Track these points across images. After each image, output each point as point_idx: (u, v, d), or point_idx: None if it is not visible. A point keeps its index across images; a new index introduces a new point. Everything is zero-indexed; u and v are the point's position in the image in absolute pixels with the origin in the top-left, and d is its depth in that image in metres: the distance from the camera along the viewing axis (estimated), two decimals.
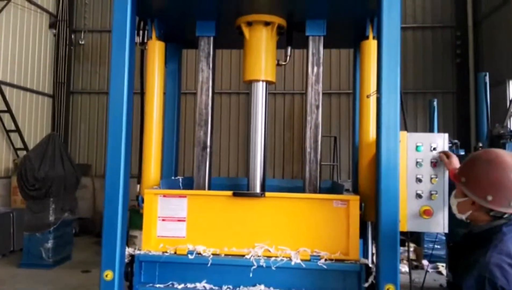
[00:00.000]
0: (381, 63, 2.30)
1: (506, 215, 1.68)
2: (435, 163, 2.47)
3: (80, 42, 10.70)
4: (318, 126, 2.78)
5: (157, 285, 2.45)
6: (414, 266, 6.92)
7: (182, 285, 2.43)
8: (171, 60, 3.25)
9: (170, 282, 2.46)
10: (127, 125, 2.44)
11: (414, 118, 9.91)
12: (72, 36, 10.74)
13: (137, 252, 2.46)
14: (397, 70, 2.29)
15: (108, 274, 2.40)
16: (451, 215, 2.37)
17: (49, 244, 6.79)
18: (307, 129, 2.79)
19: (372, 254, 2.81)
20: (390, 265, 2.26)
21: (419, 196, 2.44)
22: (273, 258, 2.37)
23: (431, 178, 2.47)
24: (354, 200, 2.42)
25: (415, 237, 7.12)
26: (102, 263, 2.43)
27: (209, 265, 2.37)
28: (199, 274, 2.43)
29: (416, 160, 2.46)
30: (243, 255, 2.40)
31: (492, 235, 1.66)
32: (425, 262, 6.84)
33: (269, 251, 2.41)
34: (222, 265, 2.41)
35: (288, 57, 2.96)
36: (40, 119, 10.31)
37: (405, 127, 2.50)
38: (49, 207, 6.82)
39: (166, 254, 2.46)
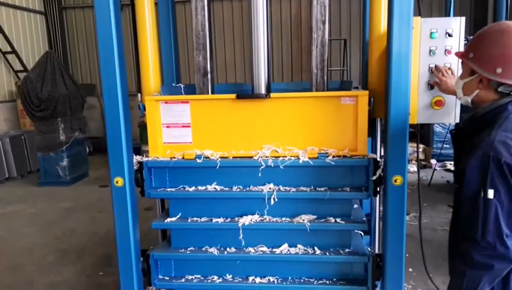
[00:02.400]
0: None
1: None
2: (449, 51, 2.32)
3: None
4: (325, 22, 2.57)
5: (168, 189, 2.51)
6: (423, 165, 7.06)
7: (193, 188, 2.48)
8: None
9: (181, 186, 2.51)
10: (118, 37, 2.29)
11: (429, 2, 9.36)
12: None
13: (145, 159, 2.47)
14: None
15: (119, 181, 2.44)
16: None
17: (64, 163, 6.99)
18: (313, 25, 2.59)
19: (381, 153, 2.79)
20: (399, 156, 2.22)
21: (431, 86, 2.33)
22: (281, 158, 2.36)
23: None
24: (363, 96, 2.33)
25: (425, 133, 7.11)
26: (111, 171, 2.45)
27: (217, 167, 2.38)
28: (208, 177, 2.46)
29: (429, 48, 2.30)
30: (251, 157, 2.40)
31: (497, 114, 1.59)
32: (433, 161, 6.94)
33: (277, 151, 2.40)
34: (230, 167, 2.42)
35: None
36: (36, 39, 9.98)
37: (418, 12, 2.30)
38: (58, 127, 6.89)
39: (174, 159, 2.47)
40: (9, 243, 4.66)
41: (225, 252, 2.47)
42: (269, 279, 2.49)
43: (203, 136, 2.47)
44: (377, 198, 2.81)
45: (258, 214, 2.45)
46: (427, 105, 2.38)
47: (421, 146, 7.19)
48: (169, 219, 2.53)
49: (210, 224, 2.46)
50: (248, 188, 2.43)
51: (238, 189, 2.44)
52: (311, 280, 2.48)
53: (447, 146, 6.90)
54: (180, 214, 2.54)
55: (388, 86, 2.19)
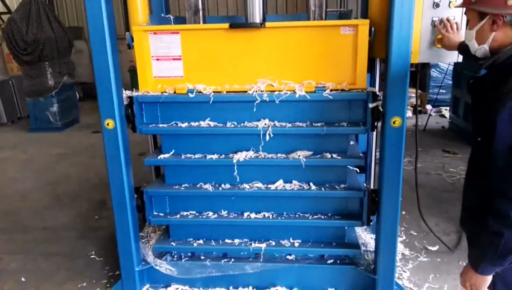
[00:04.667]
0: None
1: None
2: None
3: None
4: None
5: (160, 125, 2.43)
6: (418, 111, 7.00)
7: (186, 124, 2.42)
8: None
9: (173, 122, 2.44)
10: None
11: None
12: None
13: (135, 93, 2.37)
14: None
15: (109, 123, 2.36)
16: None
17: (55, 108, 6.85)
18: None
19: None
20: (398, 97, 2.16)
21: (434, 24, 2.20)
22: (276, 92, 2.28)
23: (450, 2, 2.20)
24: (363, 25, 2.21)
25: (422, 78, 6.99)
26: (101, 113, 2.37)
27: (210, 102, 2.30)
28: (201, 113, 2.40)
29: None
30: (245, 91, 2.31)
31: None
32: (428, 106, 6.89)
33: (272, 85, 2.31)
34: (224, 102, 2.34)
35: None
36: None
37: None
38: (46, 71, 6.67)
39: (165, 94, 2.37)
40: (3, 188, 4.64)
41: (220, 189, 2.46)
42: (264, 215, 2.50)
43: (195, 70, 2.37)
44: (374, 135, 2.77)
45: (253, 150, 2.41)
46: (429, 43, 2.27)
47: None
48: (162, 156, 2.48)
49: (204, 160, 2.42)
50: (242, 124, 2.37)
51: (232, 125, 2.38)
52: (306, 215, 2.49)
53: (443, 91, 6.83)
54: (173, 151, 2.49)
55: (390, 22, 2.07)
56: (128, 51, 2.63)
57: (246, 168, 2.42)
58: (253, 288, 2.62)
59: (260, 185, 2.46)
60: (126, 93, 2.38)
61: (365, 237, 2.90)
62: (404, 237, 3.26)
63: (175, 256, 2.69)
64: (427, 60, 2.29)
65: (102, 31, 2.19)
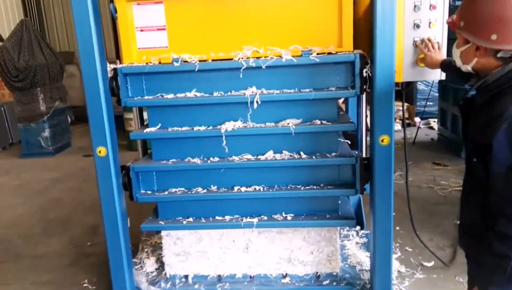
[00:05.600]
0: None
1: None
2: (434, 6, 2.24)
3: None
4: None
5: (146, 97, 2.39)
6: (407, 124, 7.08)
7: (172, 95, 2.37)
8: None
9: (159, 94, 2.40)
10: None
11: None
12: None
13: (119, 65, 2.33)
14: None
15: (101, 151, 2.38)
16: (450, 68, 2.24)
17: (46, 133, 6.84)
18: None
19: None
20: (385, 116, 2.21)
21: (416, 44, 2.27)
22: (263, 58, 2.25)
23: (430, 23, 2.27)
24: None
25: (409, 92, 7.09)
26: (93, 141, 2.39)
27: (196, 71, 2.26)
28: (187, 83, 2.36)
29: (414, 3, 2.23)
30: (231, 59, 2.28)
31: (511, 80, 1.41)
32: (417, 119, 6.98)
33: (258, 52, 2.29)
34: (210, 70, 2.30)
35: None
36: (10, 7, 9.49)
37: None
38: (38, 97, 6.69)
39: (150, 64, 2.34)
40: None
41: (209, 162, 2.41)
42: (255, 188, 2.44)
43: (180, 39, 2.35)
44: (363, 103, 2.72)
45: (241, 120, 2.37)
46: (412, 62, 2.32)
47: (405, 104, 7.19)
48: (148, 129, 2.43)
49: (191, 132, 2.38)
50: (229, 93, 2.33)
51: (219, 95, 2.34)
52: (298, 187, 2.43)
53: (431, 103, 6.93)
54: (160, 125, 2.45)
55: (373, 45, 2.13)
56: None
57: (234, 139, 2.36)
58: None
59: (249, 156, 2.40)
60: (110, 66, 2.34)
61: (360, 255, 2.90)
62: (399, 254, 3.26)
63: (169, 283, 2.67)
64: (410, 78, 2.34)
65: (93, 57, 2.21)
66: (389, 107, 2.20)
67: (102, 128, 2.34)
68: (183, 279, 2.68)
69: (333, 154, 2.40)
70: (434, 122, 6.95)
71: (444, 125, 5.95)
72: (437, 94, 6.45)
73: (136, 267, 2.78)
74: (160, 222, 2.55)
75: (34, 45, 6.61)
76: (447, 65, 2.11)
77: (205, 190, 2.46)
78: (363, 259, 2.85)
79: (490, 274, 1.43)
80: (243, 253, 2.64)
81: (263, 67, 2.23)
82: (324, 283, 2.59)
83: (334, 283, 2.58)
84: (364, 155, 2.84)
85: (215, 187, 2.47)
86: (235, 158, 2.41)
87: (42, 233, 4.07)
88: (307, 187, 2.41)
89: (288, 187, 2.44)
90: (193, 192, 2.46)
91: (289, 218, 2.46)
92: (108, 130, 2.35)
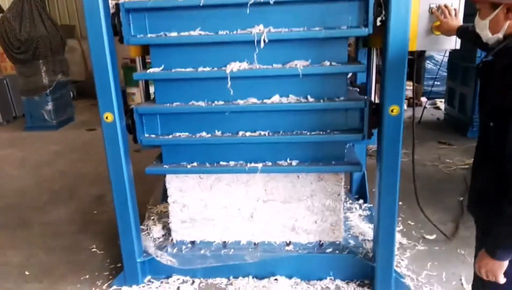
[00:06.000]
0: None
1: None
2: None
3: None
4: None
5: (149, 35, 2.34)
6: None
7: (175, 33, 2.32)
8: None
9: (162, 33, 2.34)
10: None
11: None
12: None
13: (121, 0, 2.26)
14: None
15: (108, 116, 2.37)
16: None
17: (49, 106, 6.83)
18: None
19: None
20: (396, 85, 2.18)
21: (432, 10, 2.23)
22: None
23: None
24: None
25: (417, 70, 7.01)
26: (100, 107, 2.38)
27: (201, 5, 2.19)
28: (192, 21, 2.29)
29: None
30: None
31: None
32: (423, 99, 6.94)
33: None
34: (215, 6, 2.23)
35: None
36: None
37: None
38: (40, 69, 6.63)
39: None
40: (1, 186, 4.63)
41: (213, 105, 2.38)
42: (259, 133, 2.40)
43: None
44: (374, 56, 2.65)
45: (247, 62, 2.31)
46: (426, 31, 2.29)
47: (411, 83, 7.14)
48: (151, 70, 2.39)
49: (195, 73, 2.34)
50: (235, 32, 2.27)
51: (224, 33, 2.27)
52: (304, 132, 2.39)
53: (438, 83, 6.86)
54: (163, 65, 2.40)
55: (388, 9, 2.08)
56: (120, 48, 2.54)
57: (240, 82, 2.32)
58: (253, 278, 2.65)
59: (255, 100, 2.37)
60: (112, 2, 2.28)
61: (363, 227, 2.94)
62: (401, 227, 3.31)
63: (176, 248, 2.71)
64: (424, 47, 2.31)
65: (99, 24, 2.19)
66: (401, 76, 2.17)
67: (109, 93, 2.34)
68: (189, 245, 2.72)
69: (341, 98, 2.34)
70: (440, 102, 6.92)
71: (451, 104, 5.93)
72: (445, 74, 6.38)
73: (143, 233, 2.82)
74: (165, 166, 2.53)
75: (35, 16, 6.52)
76: (463, 31, 2.08)
77: (209, 135, 2.43)
78: (365, 230, 2.89)
79: (499, 237, 1.45)
80: (248, 221, 2.67)
81: (271, 2, 2.15)
82: (327, 251, 2.63)
83: (337, 251, 2.62)
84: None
85: (220, 132, 2.43)
86: (240, 101, 2.36)
87: (48, 202, 4.11)
88: (313, 133, 2.37)
89: (294, 133, 2.39)
90: (197, 136, 2.43)
91: (294, 164, 2.43)
92: (114, 96, 2.35)
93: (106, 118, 2.38)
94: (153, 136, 2.49)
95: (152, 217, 3.10)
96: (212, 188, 2.62)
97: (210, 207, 2.66)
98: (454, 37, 2.30)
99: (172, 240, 2.76)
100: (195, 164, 2.52)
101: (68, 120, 7.35)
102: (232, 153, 2.48)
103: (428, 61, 7.05)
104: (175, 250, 2.69)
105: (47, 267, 3.00)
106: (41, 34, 6.51)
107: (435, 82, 6.58)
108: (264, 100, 2.36)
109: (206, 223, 2.69)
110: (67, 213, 3.84)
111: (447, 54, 5.90)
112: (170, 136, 2.46)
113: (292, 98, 2.36)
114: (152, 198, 3.36)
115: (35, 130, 6.81)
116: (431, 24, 2.25)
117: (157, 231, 2.89)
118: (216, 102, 2.40)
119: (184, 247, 2.72)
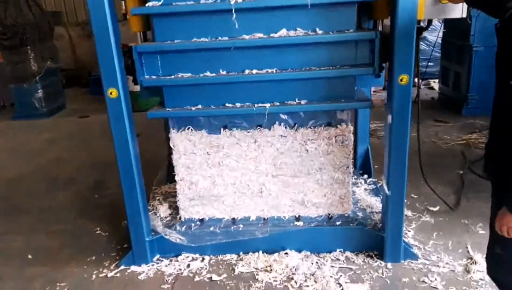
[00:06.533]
0: None
1: None
2: None
3: None
4: None
5: None
6: None
7: None
8: None
9: None
10: None
11: None
12: None
13: None
14: None
15: (113, 92, 2.32)
16: None
17: (40, 94, 6.68)
18: None
19: None
20: (405, 54, 2.18)
21: None
22: None
23: None
24: None
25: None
26: (104, 83, 2.32)
27: None
28: None
29: None
30: None
31: None
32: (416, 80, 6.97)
33: None
34: None
35: None
36: None
37: None
38: (29, 56, 6.47)
39: None
40: None
41: (217, 40, 2.28)
42: (267, 71, 2.32)
43: None
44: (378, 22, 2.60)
45: None
46: (434, 0, 2.28)
47: None
48: (150, 3, 2.27)
49: (198, 5, 2.24)
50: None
51: None
52: (312, 68, 2.31)
53: (431, 64, 6.89)
54: (162, 0, 2.27)
55: None
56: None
57: (245, 15, 2.22)
58: (263, 253, 2.65)
59: (261, 35, 2.28)
60: None
61: (370, 200, 2.96)
62: (405, 200, 3.32)
63: (184, 226, 2.69)
64: (432, 16, 2.31)
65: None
66: (410, 45, 2.17)
67: (112, 68, 2.28)
68: (198, 222, 2.71)
69: (351, 30, 2.27)
70: (434, 83, 6.96)
71: (446, 83, 5.97)
72: (438, 55, 6.42)
73: (150, 213, 2.79)
74: (168, 109, 2.43)
75: (21, 2, 6.35)
76: None
77: (214, 74, 2.32)
78: (372, 202, 2.91)
79: None
80: (257, 197, 2.66)
81: None
82: (337, 223, 2.64)
83: (346, 224, 2.63)
84: None
85: (225, 71, 2.33)
86: (246, 37, 2.27)
87: (46, 189, 4.04)
88: (322, 69, 2.30)
89: (302, 70, 2.31)
90: (201, 76, 2.33)
91: (303, 103, 2.37)
92: (118, 71, 2.29)
93: (111, 93, 2.32)
94: (154, 77, 2.37)
95: (157, 198, 3.06)
96: (220, 165, 2.59)
97: (219, 183, 2.64)
98: (460, 5, 2.29)
99: (180, 218, 2.74)
100: (199, 106, 2.42)
101: (60, 108, 7.20)
102: (238, 93, 2.37)
103: (421, 42, 7.07)
104: (183, 228, 2.67)
105: (50, 251, 2.95)
106: (28, 19, 6.33)
107: (429, 63, 6.61)
108: (271, 35, 2.27)
109: (214, 200, 2.67)
110: (66, 199, 3.78)
111: (440, 34, 5.93)
112: (172, 77, 2.35)
113: (300, 32, 2.28)
114: (156, 180, 3.32)
115: (25, 119, 6.64)
116: None
117: (163, 210, 2.86)
118: (220, 38, 2.29)
119: (193, 224, 2.70)
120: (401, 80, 2.23)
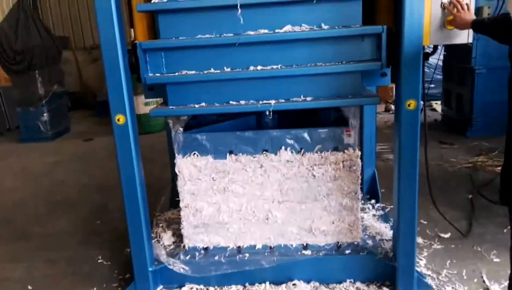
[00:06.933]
0: None
1: None
2: None
3: None
4: None
5: None
6: None
7: None
8: None
9: None
10: None
11: None
12: None
13: None
14: None
15: (120, 118, 2.30)
16: None
17: (45, 117, 6.71)
18: None
19: None
20: (413, 80, 2.16)
21: (444, 6, 2.21)
22: None
23: None
24: None
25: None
26: (111, 109, 2.30)
27: None
28: None
29: None
30: None
31: None
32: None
33: None
34: None
35: None
36: None
37: None
38: (36, 80, 6.54)
39: None
40: None
41: (222, 36, 2.26)
42: (272, 67, 2.27)
43: None
44: None
45: None
46: (439, 25, 2.27)
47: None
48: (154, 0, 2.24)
49: (202, 1, 2.22)
50: None
51: None
52: (318, 64, 2.26)
53: (433, 86, 6.89)
54: None
55: (402, 13, 2.07)
56: None
57: (249, 12, 2.19)
58: (270, 284, 2.56)
59: (266, 31, 2.25)
60: None
61: (379, 226, 2.88)
62: None
63: (189, 255, 2.62)
64: (438, 41, 2.29)
65: (112, 26, 2.14)
66: (417, 70, 2.16)
67: (121, 95, 2.26)
68: (202, 251, 2.64)
69: (358, 25, 2.24)
70: (436, 104, 6.94)
71: (449, 105, 5.94)
72: (440, 77, 6.42)
73: (153, 241, 2.72)
74: (171, 107, 2.38)
75: (31, 26, 6.44)
76: (478, 24, 2.07)
77: (218, 71, 2.29)
78: (382, 229, 2.83)
79: None
80: (263, 223, 2.59)
81: None
82: (346, 252, 2.56)
83: (356, 252, 2.55)
84: None
85: (229, 68, 2.29)
86: (251, 32, 2.24)
87: (48, 213, 3.99)
88: (327, 64, 2.25)
89: (308, 66, 2.26)
90: (205, 73, 2.29)
91: (308, 99, 2.29)
92: (126, 97, 2.28)
93: (118, 120, 2.30)
94: (157, 74, 2.34)
95: (160, 224, 3.00)
96: (226, 190, 2.54)
97: (224, 210, 2.58)
98: (466, 31, 2.28)
99: (184, 247, 2.67)
100: (203, 104, 2.36)
101: (64, 131, 7.22)
102: (242, 91, 2.32)
103: None
104: (188, 257, 2.59)
105: (51, 280, 2.87)
106: (37, 44, 6.42)
107: (431, 85, 6.61)
108: (276, 31, 2.25)
109: (219, 228, 2.61)
110: (68, 224, 3.72)
111: (441, 57, 5.94)
112: (176, 74, 2.32)
113: (305, 27, 2.25)
114: (160, 205, 3.27)
115: (31, 142, 6.67)
116: (444, 19, 2.22)
117: (167, 238, 2.80)
118: (225, 34, 2.28)
119: (197, 253, 2.62)
120: (409, 105, 2.21)
